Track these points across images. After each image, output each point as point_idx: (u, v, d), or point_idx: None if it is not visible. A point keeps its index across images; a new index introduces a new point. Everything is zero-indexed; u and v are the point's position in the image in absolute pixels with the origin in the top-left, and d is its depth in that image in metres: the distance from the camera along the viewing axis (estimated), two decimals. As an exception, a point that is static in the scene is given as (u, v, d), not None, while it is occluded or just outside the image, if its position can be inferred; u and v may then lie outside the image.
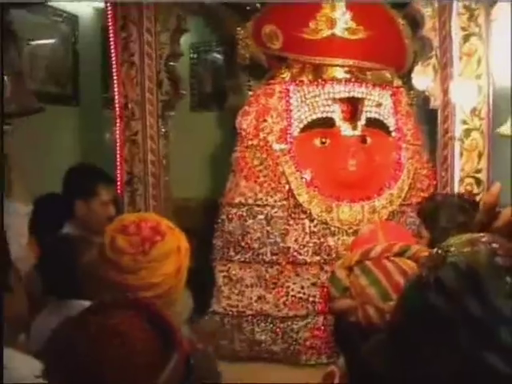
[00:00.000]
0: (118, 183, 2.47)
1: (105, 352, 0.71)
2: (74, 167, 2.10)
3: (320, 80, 2.21)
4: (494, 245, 0.57)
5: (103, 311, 0.77)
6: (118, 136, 2.46)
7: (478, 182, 2.49)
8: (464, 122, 2.51)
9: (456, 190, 2.49)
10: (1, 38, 1.88)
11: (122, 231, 1.09)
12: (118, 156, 2.47)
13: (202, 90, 2.97)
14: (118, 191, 2.45)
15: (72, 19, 2.79)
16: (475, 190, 2.50)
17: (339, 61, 2.24)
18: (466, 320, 0.54)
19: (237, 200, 2.24)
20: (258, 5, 2.47)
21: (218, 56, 2.95)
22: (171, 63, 2.53)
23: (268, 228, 2.20)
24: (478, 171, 2.50)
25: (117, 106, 2.45)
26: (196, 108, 2.96)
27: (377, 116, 2.24)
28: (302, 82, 2.23)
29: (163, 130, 2.50)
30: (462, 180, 2.50)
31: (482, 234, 0.65)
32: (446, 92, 2.50)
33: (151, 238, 1.07)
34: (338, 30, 2.24)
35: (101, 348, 0.72)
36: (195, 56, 2.97)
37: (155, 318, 0.76)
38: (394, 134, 2.28)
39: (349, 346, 0.99)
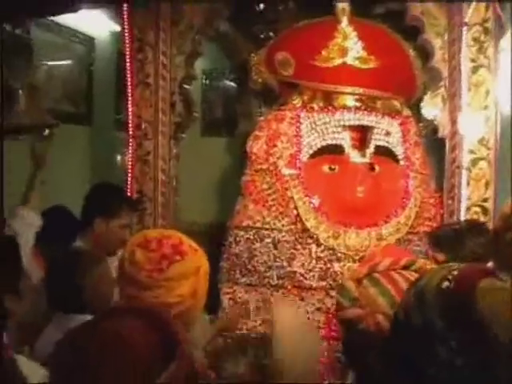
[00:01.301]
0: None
1: (106, 356, 0.72)
2: (102, 184, 2.14)
3: (330, 107, 2.26)
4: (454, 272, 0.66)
5: (111, 318, 0.77)
6: (130, 155, 2.49)
7: (485, 211, 2.51)
8: (471, 152, 2.54)
9: (462, 218, 2.49)
10: (14, 53, 1.92)
11: (143, 246, 1.08)
12: (129, 175, 2.49)
13: (213, 116, 3.04)
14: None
15: (89, 41, 2.86)
16: (481, 219, 2.51)
17: (350, 89, 2.29)
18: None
19: (245, 223, 2.26)
20: (272, 33, 2.52)
21: (230, 83, 3.01)
22: (185, 86, 2.59)
23: (275, 252, 2.22)
24: (485, 200, 2.52)
25: (130, 125, 2.49)
26: (206, 133, 3.01)
27: (385, 144, 2.28)
28: (312, 108, 2.27)
29: (174, 151, 2.54)
30: (468, 209, 2.52)
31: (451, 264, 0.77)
32: (454, 122, 2.54)
33: (170, 257, 1.05)
34: (350, 59, 2.29)
35: (102, 352, 0.72)
36: (207, 82, 3.04)
37: (162, 327, 0.76)
38: (402, 162, 2.31)
39: (358, 356, 1.02)
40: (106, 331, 0.73)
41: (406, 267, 1.06)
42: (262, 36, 2.56)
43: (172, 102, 2.51)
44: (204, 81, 3.00)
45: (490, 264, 1.49)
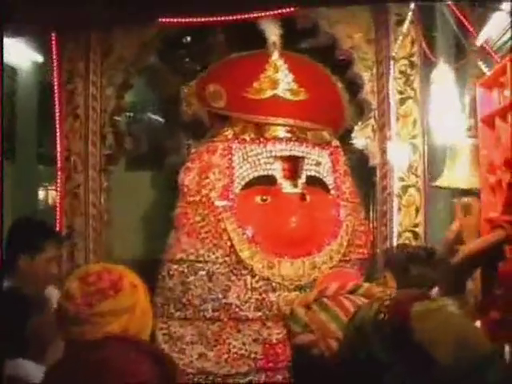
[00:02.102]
0: (57, 237, 2.47)
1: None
2: (22, 219, 2.10)
3: (262, 138, 2.38)
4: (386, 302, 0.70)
5: (97, 346, 0.76)
6: (58, 189, 2.48)
7: (416, 235, 2.70)
8: (401, 180, 2.73)
9: (395, 244, 2.64)
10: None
11: (82, 279, 1.07)
12: (57, 209, 2.48)
13: (138, 149, 3.06)
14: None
15: (10, 71, 2.84)
16: (413, 243, 2.66)
17: (281, 120, 2.42)
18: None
19: (178, 256, 2.31)
20: (201, 66, 2.62)
21: (155, 115, 3.10)
22: (115, 117, 2.64)
23: (210, 284, 2.28)
24: (416, 226, 2.70)
25: (59, 158, 2.48)
26: (131, 167, 3.04)
27: (316, 174, 2.41)
28: (244, 140, 2.38)
29: (105, 184, 2.57)
30: (400, 234, 2.71)
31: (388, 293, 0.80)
32: (384, 151, 2.73)
33: (104, 292, 1.05)
34: (281, 91, 2.44)
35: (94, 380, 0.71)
36: (131, 114, 3.09)
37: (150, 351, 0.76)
38: (332, 191, 2.45)
39: (310, 381, 1.06)
40: (97, 363, 0.73)
41: (352, 291, 1.13)
42: (191, 68, 2.65)
43: (103, 133, 2.56)
44: (128, 113, 3.05)
45: (435, 290, 1.61)
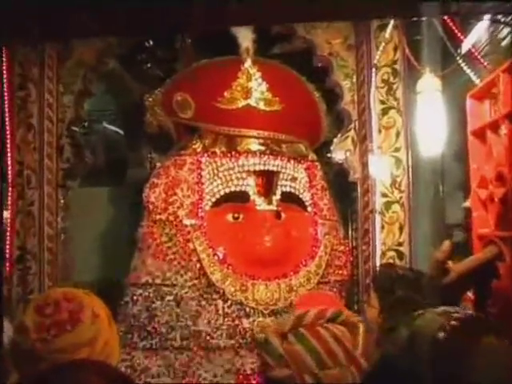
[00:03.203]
0: (7, 260, 2.48)
1: None
2: None
3: (234, 152, 2.43)
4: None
5: (63, 372, 0.79)
6: (9, 207, 2.49)
7: (400, 255, 2.78)
8: (384, 195, 2.81)
9: (378, 264, 2.74)
10: None
11: (38, 309, 1.06)
12: (8, 229, 2.49)
13: (95, 163, 3.05)
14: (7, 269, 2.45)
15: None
16: (398, 263, 2.76)
17: (254, 132, 2.48)
18: None
19: (143, 280, 2.33)
20: (166, 73, 2.68)
21: (116, 126, 3.13)
22: (74, 128, 2.66)
23: (178, 310, 2.30)
24: (400, 244, 2.79)
25: (10, 173, 2.50)
26: (88, 182, 3.05)
27: (292, 190, 2.48)
28: (214, 153, 2.43)
29: (62, 201, 2.58)
30: (383, 254, 2.78)
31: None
32: (365, 165, 2.81)
33: (62, 325, 1.04)
34: (254, 101, 2.49)
35: None
36: (89, 124, 3.09)
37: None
38: (309, 209, 2.51)
39: None
40: None
41: (332, 319, 1.18)
42: (155, 75, 2.70)
43: (60, 145, 2.58)
44: (86, 123, 3.04)
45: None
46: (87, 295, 1.15)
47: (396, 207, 2.80)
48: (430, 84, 2.73)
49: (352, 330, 1.25)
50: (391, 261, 2.75)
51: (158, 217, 2.38)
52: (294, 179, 2.49)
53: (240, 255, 2.35)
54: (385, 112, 2.87)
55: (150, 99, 2.59)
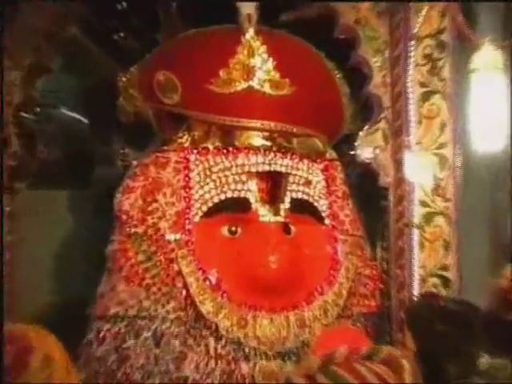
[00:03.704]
0: None
1: None
2: None
3: (231, 148, 2.56)
4: None
5: None
6: None
7: (446, 282, 2.91)
8: (424, 204, 2.95)
9: (416, 292, 2.83)
10: None
11: None
12: None
13: (51, 159, 3.19)
14: None
15: None
16: (442, 292, 2.86)
17: (257, 123, 2.60)
18: None
19: (112, 311, 2.45)
20: (145, 45, 2.81)
21: (78, 113, 3.22)
22: (23, 114, 2.76)
23: (157, 351, 2.41)
24: (445, 268, 2.92)
25: None
26: (41, 183, 3.08)
27: (305, 197, 2.63)
28: (206, 149, 2.57)
29: (8, 208, 2.67)
30: (423, 280, 2.92)
31: None
32: (399, 165, 2.95)
33: (3, 373, 1.13)
34: (257, 83, 2.61)
35: None
36: (39, 110, 3.11)
37: None
38: (327, 221, 2.67)
39: None
40: None
41: (368, 357, 1.25)
42: (131, 48, 2.78)
43: (4, 136, 2.64)
44: (39, 108, 3.09)
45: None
46: (38, 333, 1.26)
47: (440, 220, 2.93)
48: (488, 60, 2.84)
49: (396, 369, 1.33)
50: (433, 289, 2.88)
51: (133, 230, 2.51)
52: (307, 183, 2.63)
53: (238, 280, 2.46)
54: (427, 97, 2.97)
55: (124, 79, 2.72)
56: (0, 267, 2.63)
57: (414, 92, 2.95)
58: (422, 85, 2.96)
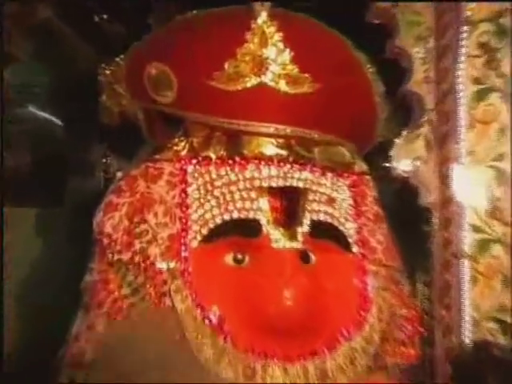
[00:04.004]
0: None
1: None
2: None
3: (238, 158, 2.62)
4: None
5: None
6: None
7: (504, 327, 3.00)
8: (477, 229, 3.03)
9: (467, 339, 2.90)
10: None
11: None
12: None
13: (17, 168, 3.28)
14: None
15: None
16: (501, 340, 2.92)
17: (270, 127, 2.65)
18: None
19: (90, 356, 2.51)
20: (128, 32, 2.87)
21: (48, 112, 3.33)
22: None
23: (146, 407, 2.48)
24: (504, 309, 3.01)
25: None
26: (5, 199, 3.09)
27: (328, 219, 2.68)
28: (207, 159, 2.64)
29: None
30: (476, 324, 2.95)
31: None
32: (445, 181, 3.02)
33: None
34: (270, 78, 2.65)
35: None
36: (10, 108, 3.27)
37: None
38: (354, 248, 2.73)
39: None
40: None
41: None
42: (116, 34, 2.85)
43: None
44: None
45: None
46: None
47: (496, 249, 3.04)
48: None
49: None
50: (488, 336, 2.90)
51: (116, 256, 2.57)
52: (331, 201, 2.69)
53: (244, 320, 2.52)
54: (481, 96, 3.10)
55: (108, 72, 2.81)
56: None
57: (465, 90, 3.03)
58: (476, 81, 3.05)
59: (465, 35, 3.05)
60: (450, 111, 3.07)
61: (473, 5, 3.08)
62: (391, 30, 3.00)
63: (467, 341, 2.93)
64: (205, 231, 2.56)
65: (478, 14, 3.06)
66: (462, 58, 3.04)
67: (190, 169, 2.63)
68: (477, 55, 3.05)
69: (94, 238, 2.64)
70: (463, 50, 3.05)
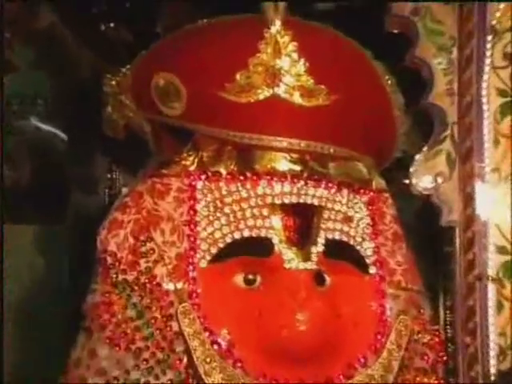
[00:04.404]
0: None
1: None
2: None
3: (250, 173, 2.63)
4: None
5: None
6: None
7: (533, 355, 2.95)
8: (502, 251, 3.03)
9: (493, 369, 2.89)
10: None
11: None
12: None
13: (16, 183, 3.33)
14: None
15: None
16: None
17: (283, 142, 2.67)
18: None
19: (91, 382, 2.49)
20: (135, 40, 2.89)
21: (49, 124, 3.37)
22: None
23: None
24: (532, 337, 2.96)
25: None
26: (4, 215, 3.10)
27: (344, 238, 2.69)
28: (217, 175, 2.65)
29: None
30: (502, 352, 2.94)
31: None
32: (468, 199, 3.02)
33: None
34: (284, 90, 2.67)
35: None
36: (10, 119, 3.31)
37: None
38: (372, 269, 2.73)
39: None
40: None
41: None
42: (121, 42, 2.87)
43: None
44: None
45: None
46: None
47: (524, 272, 2.96)
48: None
49: None
50: None
51: (120, 277, 2.58)
52: (347, 220, 2.70)
53: (255, 344, 2.53)
54: (507, 110, 3.14)
55: (113, 82, 2.83)
56: None
57: (489, 103, 3.05)
58: (502, 93, 3.09)
59: (489, 45, 3.05)
60: (473, 125, 3.07)
61: (498, 13, 3.09)
62: (411, 39, 3.00)
63: (493, 370, 2.92)
64: (214, 250, 2.56)
65: (504, 23, 3.06)
66: (487, 69, 3.04)
67: (199, 185, 2.64)
68: (502, 66, 3.06)
69: (97, 256, 2.64)
70: (488, 61, 3.05)
